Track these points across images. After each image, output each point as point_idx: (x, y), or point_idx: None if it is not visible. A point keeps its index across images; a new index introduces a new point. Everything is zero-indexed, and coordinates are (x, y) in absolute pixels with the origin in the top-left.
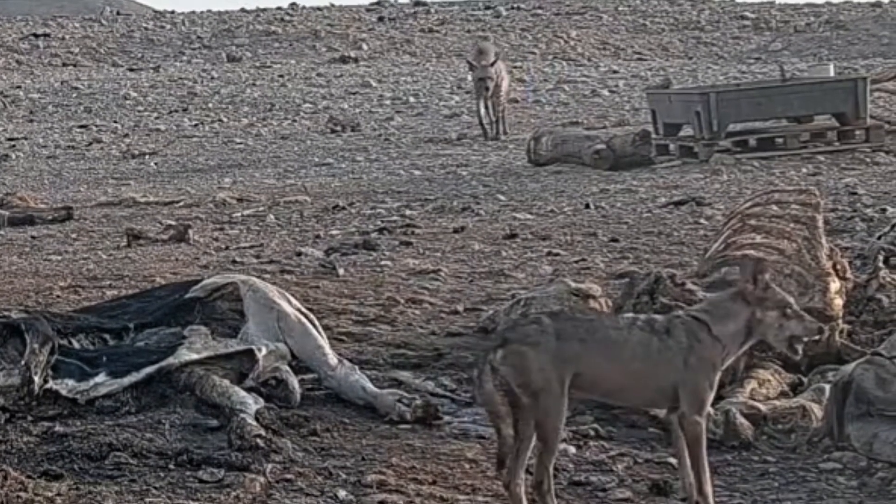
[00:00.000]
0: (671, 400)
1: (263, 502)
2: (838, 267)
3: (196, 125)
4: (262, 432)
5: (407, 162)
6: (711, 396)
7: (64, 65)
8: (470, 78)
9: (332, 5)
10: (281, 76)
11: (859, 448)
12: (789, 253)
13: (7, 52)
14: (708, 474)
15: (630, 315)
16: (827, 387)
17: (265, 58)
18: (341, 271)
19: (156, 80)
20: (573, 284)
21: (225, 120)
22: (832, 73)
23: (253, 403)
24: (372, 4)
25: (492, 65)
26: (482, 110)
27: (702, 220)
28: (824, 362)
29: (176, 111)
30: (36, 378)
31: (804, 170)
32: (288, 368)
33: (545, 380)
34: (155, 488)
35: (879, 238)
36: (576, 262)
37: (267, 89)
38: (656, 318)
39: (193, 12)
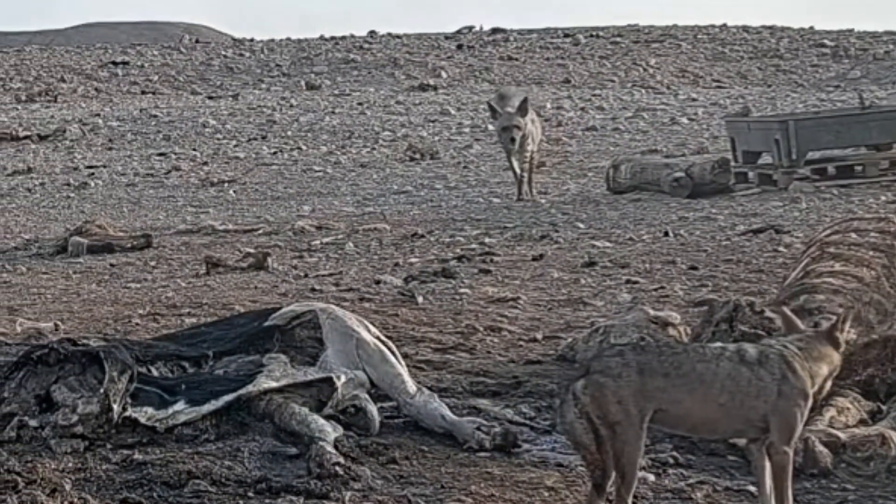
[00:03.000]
0: (761, 431)
1: None
2: None
3: (275, 153)
4: (342, 460)
5: (486, 190)
6: (801, 427)
7: (143, 93)
8: (492, 128)
9: (395, 33)
10: (360, 104)
11: None
12: (868, 281)
13: (86, 79)
14: None
15: (718, 345)
16: None
17: (344, 85)
18: (420, 299)
19: (235, 107)
20: (652, 312)
21: (304, 148)
22: None
23: (332, 431)
24: (451, 32)
25: (518, 111)
26: (515, 166)
27: (781, 248)
28: None
29: (255, 139)
30: (115, 406)
31: (883, 197)
32: (367, 396)
33: (623, 413)
34: None
35: None
36: (655, 289)
37: (346, 117)
38: (747, 349)
39: (272, 40)
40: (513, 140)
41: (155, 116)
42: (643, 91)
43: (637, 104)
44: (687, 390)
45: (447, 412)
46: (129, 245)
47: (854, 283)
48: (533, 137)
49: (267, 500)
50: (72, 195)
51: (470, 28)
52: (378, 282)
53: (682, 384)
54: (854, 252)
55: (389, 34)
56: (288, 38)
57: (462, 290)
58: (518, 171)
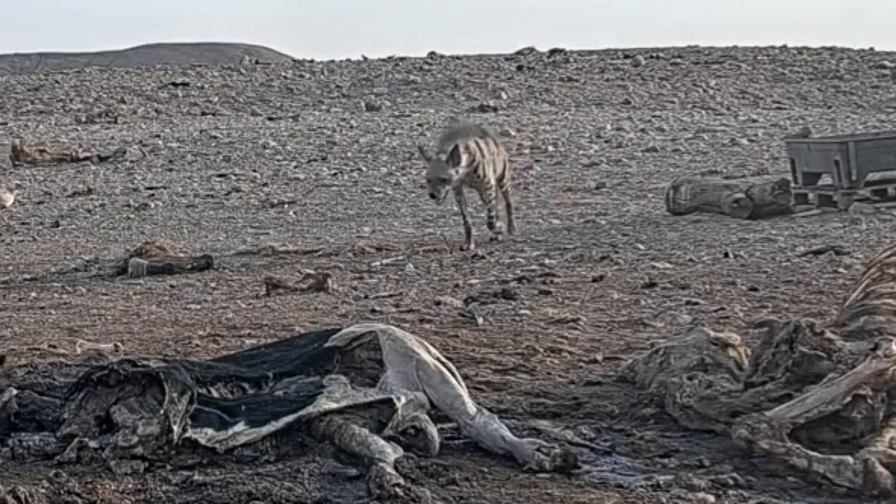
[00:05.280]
0: None
1: None
2: None
3: (335, 174)
4: (402, 481)
5: (546, 211)
6: None
7: (203, 114)
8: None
9: (455, 54)
10: (420, 125)
11: None
12: None
13: (146, 101)
14: None
15: None
16: None
17: (404, 107)
18: (480, 320)
19: (295, 129)
20: (712, 333)
21: (364, 169)
22: None
23: (392, 452)
24: (511, 53)
25: (451, 156)
26: (463, 209)
27: (841, 269)
28: None
29: (315, 160)
30: (175, 427)
31: None
32: (427, 417)
33: None
34: None
35: None
36: (715, 310)
37: (406, 138)
38: None
39: (332, 61)
40: (433, 196)
41: (215, 137)
42: (703, 112)
43: (697, 125)
44: None
45: (507, 433)
46: (189, 266)
47: None
48: (494, 167)
49: None
50: (132, 216)
51: (530, 49)
52: (438, 303)
53: None
54: None
55: (443, 55)
56: (348, 60)
57: (522, 312)
58: (464, 214)
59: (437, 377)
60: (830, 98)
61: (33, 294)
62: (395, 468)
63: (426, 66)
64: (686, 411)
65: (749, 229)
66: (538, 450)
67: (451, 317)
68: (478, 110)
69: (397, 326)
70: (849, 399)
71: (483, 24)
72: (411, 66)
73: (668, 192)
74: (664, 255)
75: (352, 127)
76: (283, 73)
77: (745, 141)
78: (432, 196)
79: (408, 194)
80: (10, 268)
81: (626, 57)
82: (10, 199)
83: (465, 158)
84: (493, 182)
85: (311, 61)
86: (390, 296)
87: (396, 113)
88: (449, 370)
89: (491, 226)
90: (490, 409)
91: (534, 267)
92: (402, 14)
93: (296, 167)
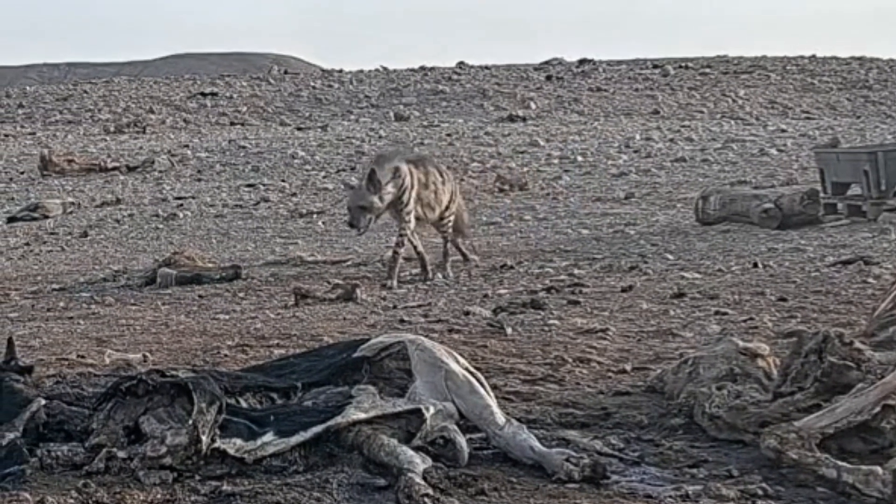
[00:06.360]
0: None
1: None
2: None
3: None
4: (430, 492)
5: (575, 221)
6: None
7: (231, 124)
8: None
9: (484, 64)
10: (448, 135)
11: None
12: None
13: (175, 111)
14: None
15: None
16: None
17: (433, 116)
18: (509, 330)
19: (323, 139)
20: (741, 343)
21: None
22: None
23: (421, 463)
24: (540, 63)
25: (371, 182)
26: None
27: (870, 279)
28: None
29: (344, 170)
30: (203, 437)
31: None
32: (455, 428)
33: None
34: None
35: None
36: (744, 321)
37: (434, 148)
38: None
39: (361, 71)
40: (352, 225)
41: (244, 147)
42: (732, 122)
43: (726, 135)
44: None
45: (536, 443)
46: (217, 276)
47: None
48: (437, 197)
49: None
50: (160, 226)
51: (559, 59)
52: (467, 313)
53: None
54: None
55: (472, 64)
56: (377, 69)
57: (551, 322)
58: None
59: (465, 387)
60: (859, 108)
61: (62, 304)
62: (424, 478)
63: (455, 76)
64: (715, 421)
65: (778, 239)
66: (567, 460)
67: (480, 327)
68: (507, 120)
69: (426, 337)
70: (878, 409)
71: (512, 34)
72: (440, 76)
73: (697, 203)
74: (693, 266)
75: (381, 137)
76: (312, 83)
77: (774, 151)
78: (351, 225)
79: None
80: (39, 278)
81: (655, 67)
82: (58, 207)
83: (392, 184)
84: (411, 210)
85: (340, 71)
86: (419, 306)
87: (425, 123)
88: (478, 380)
89: (394, 255)
90: (519, 420)
91: (563, 277)
92: (430, 24)
93: (324, 177)
